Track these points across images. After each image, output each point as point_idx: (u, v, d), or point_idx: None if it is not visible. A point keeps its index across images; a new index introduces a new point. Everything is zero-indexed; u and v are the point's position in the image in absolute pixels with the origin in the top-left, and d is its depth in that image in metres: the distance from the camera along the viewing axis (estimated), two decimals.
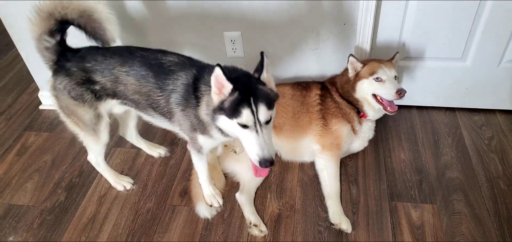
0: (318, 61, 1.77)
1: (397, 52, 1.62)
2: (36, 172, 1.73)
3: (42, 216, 1.54)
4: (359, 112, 1.61)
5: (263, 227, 1.40)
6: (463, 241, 1.33)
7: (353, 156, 1.67)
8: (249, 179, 1.53)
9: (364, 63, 1.57)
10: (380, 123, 1.77)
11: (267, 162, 1.04)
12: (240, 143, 1.11)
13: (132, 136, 1.69)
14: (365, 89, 1.54)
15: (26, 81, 2.32)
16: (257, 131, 1.04)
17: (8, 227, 1.51)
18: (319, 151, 1.54)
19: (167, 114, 1.24)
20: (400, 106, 1.88)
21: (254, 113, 1.03)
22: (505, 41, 1.60)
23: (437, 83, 1.79)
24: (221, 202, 1.50)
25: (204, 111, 1.15)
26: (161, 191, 1.59)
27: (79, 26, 1.27)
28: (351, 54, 1.57)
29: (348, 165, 1.64)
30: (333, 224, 1.40)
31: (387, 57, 1.63)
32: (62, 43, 1.28)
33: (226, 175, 1.61)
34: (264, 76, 1.10)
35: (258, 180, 1.54)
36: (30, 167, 1.76)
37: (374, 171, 1.60)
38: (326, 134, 1.55)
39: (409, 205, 1.46)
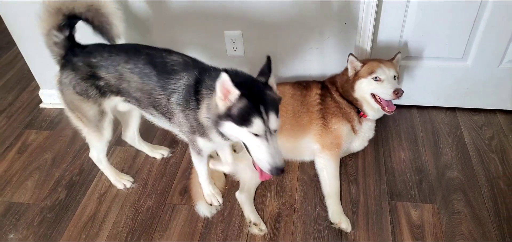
0: (318, 60, 1.77)
1: (399, 52, 1.61)
2: (36, 170, 1.74)
3: (43, 214, 1.54)
4: (359, 112, 1.61)
5: (263, 226, 1.40)
6: (463, 241, 1.33)
7: (353, 156, 1.67)
8: (249, 178, 1.53)
9: (364, 62, 1.57)
10: (380, 122, 1.77)
11: (278, 170, 1.03)
12: (240, 145, 1.11)
13: (134, 139, 1.69)
14: (363, 89, 1.54)
15: (27, 80, 2.32)
16: (267, 139, 1.03)
17: (8, 224, 1.51)
18: (319, 150, 1.54)
19: (167, 114, 1.24)
20: (400, 106, 1.89)
21: (265, 122, 1.02)
22: (506, 41, 1.60)
23: (438, 83, 1.78)
24: (221, 201, 1.50)
25: (204, 114, 1.14)
26: (161, 190, 1.59)
27: (86, 20, 1.28)
28: (350, 53, 1.57)
29: (348, 164, 1.64)
30: (332, 223, 1.40)
31: (387, 56, 1.63)
32: (70, 38, 1.29)
33: (226, 174, 1.62)
34: (271, 80, 1.09)
35: (258, 179, 1.54)
36: (30, 165, 1.77)
37: (374, 170, 1.60)
38: (326, 134, 1.55)
39: (409, 204, 1.46)
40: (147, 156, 1.75)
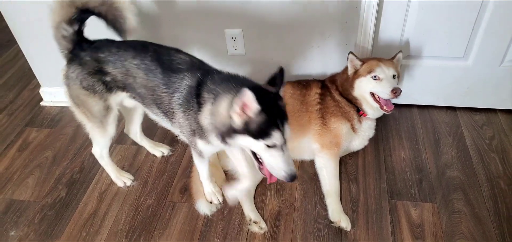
0: (319, 59, 1.77)
1: (400, 51, 1.61)
2: (37, 168, 1.74)
3: (43, 211, 1.55)
4: (359, 111, 1.61)
5: (263, 224, 1.41)
6: (463, 240, 1.33)
7: (353, 155, 1.67)
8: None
9: (364, 61, 1.57)
10: (381, 121, 1.77)
11: (293, 177, 1.07)
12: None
13: (136, 134, 1.69)
14: (363, 87, 1.54)
15: (28, 78, 2.33)
16: (282, 149, 1.05)
17: (9, 222, 1.52)
18: (319, 150, 1.54)
19: (169, 114, 1.24)
20: (401, 105, 1.89)
21: (282, 134, 1.03)
22: (507, 40, 1.60)
23: (438, 82, 1.78)
24: (221, 199, 1.50)
25: (206, 119, 1.13)
26: (162, 188, 1.60)
27: (99, 14, 1.29)
28: (350, 52, 1.57)
29: (348, 163, 1.64)
30: (332, 222, 1.40)
31: (388, 55, 1.63)
32: (79, 33, 1.29)
33: (226, 172, 1.62)
34: (281, 91, 1.09)
35: (258, 178, 1.54)
36: (31, 162, 1.77)
37: (374, 169, 1.60)
38: (325, 133, 1.55)
39: (409, 203, 1.46)
40: (147, 154, 1.76)
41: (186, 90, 1.16)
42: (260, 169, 1.15)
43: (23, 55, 1.99)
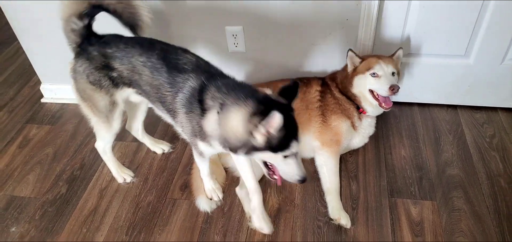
0: (319, 56, 1.77)
1: (400, 48, 1.61)
2: (37, 164, 1.75)
3: (44, 207, 1.55)
4: (359, 108, 1.61)
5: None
6: (462, 238, 1.33)
7: (353, 152, 1.67)
8: None
9: (363, 58, 1.57)
10: (381, 119, 1.77)
11: (305, 179, 1.12)
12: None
13: (138, 131, 1.70)
14: (361, 84, 1.54)
15: (28, 75, 2.33)
16: (296, 156, 1.09)
17: (10, 218, 1.52)
18: (319, 147, 1.54)
19: (172, 113, 1.24)
20: (401, 103, 1.88)
21: (298, 143, 1.06)
22: (508, 39, 1.59)
23: (439, 80, 1.78)
24: (221, 196, 1.51)
25: (211, 126, 1.11)
26: (162, 185, 1.60)
27: (115, 12, 1.29)
28: (350, 49, 1.57)
29: (348, 161, 1.64)
30: (332, 219, 1.40)
31: (389, 53, 1.62)
32: (88, 27, 1.30)
33: (226, 170, 1.62)
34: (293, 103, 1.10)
35: (259, 175, 1.54)
36: (32, 159, 1.78)
37: (374, 167, 1.60)
38: (326, 130, 1.55)
39: (409, 201, 1.46)
40: (148, 151, 1.76)
41: (190, 91, 1.15)
42: (269, 175, 1.18)
43: (24, 52, 1.99)
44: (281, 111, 0.98)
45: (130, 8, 1.29)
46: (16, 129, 1.96)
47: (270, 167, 1.17)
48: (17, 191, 1.63)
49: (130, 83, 1.30)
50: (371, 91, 1.54)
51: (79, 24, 1.27)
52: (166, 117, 1.32)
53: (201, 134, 1.16)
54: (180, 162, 1.69)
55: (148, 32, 1.77)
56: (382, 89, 1.48)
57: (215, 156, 1.61)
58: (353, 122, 1.60)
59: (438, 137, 1.72)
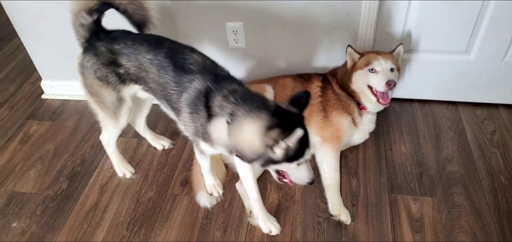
0: (320, 52, 1.76)
1: (401, 43, 1.60)
2: (38, 160, 1.75)
3: (45, 203, 1.56)
4: (360, 105, 1.61)
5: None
6: (462, 234, 1.33)
7: (353, 148, 1.67)
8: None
9: (363, 54, 1.56)
10: (382, 115, 1.77)
11: (314, 181, 1.17)
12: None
13: (140, 126, 1.70)
14: (360, 80, 1.54)
15: (29, 71, 2.33)
16: (306, 161, 1.11)
17: (11, 213, 1.53)
18: (319, 143, 1.54)
19: (176, 111, 1.23)
20: (402, 100, 1.88)
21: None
22: (510, 34, 1.58)
23: (440, 77, 1.77)
24: (221, 192, 1.51)
25: (218, 134, 1.10)
26: (162, 181, 1.60)
27: (125, 11, 1.29)
28: (349, 45, 1.56)
29: (348, 157, 1.64)
30: (332, 215, 1.40)
31: (390, 49, 1.62)
32: (97, 22, 1.30)
33: (226, 166, 1.62)
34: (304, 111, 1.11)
35: (259, 171, 1.55)
36: (32, 155, 1.78)
37: (374, 163, 1.60)
38: (326, 126, 1.55)
39: (409, 197, 1.46)
40: (148, 147, 1.76)
41: (195, 93, 1.14)
42: (279, 179, 1.20)
43: (24, 48, 1.99)
44: (294, 121, 1.01)
45: (141, 10, 1.29)
46: (17, 125, 1.97)
47: (280, 172, 1.20)
48: (18, 187, 1.63)
49: (137, 80, 1.29)
50: (370, 88, 1.54)
51: (88, 19, 1.27)
52: (171, 114, 1.32)
53: (204, 136, 1.16)
54: (180, 158, 1.69)
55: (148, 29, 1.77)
56: (379, 84, 1.48)
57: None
58: (354, 118, 1.60)
59: (438, 133, 1.72)
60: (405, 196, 1.47)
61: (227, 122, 1.06)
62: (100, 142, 1.59)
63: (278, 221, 1.41)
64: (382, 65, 1.51)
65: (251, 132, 1.02)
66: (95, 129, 1.89)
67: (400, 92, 1.86)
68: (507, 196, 1.44)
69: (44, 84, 2.13)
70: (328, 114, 1.57)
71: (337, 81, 1.65)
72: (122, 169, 1.62)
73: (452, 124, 1.76)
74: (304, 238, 1.36)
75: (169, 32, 1.73)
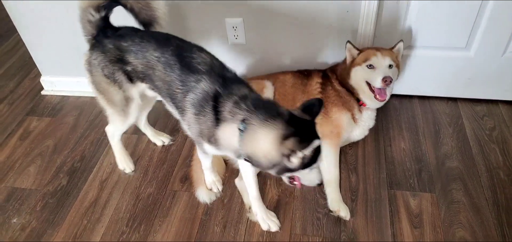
0: (320, 48, 1.76)
1: (401, 40, 1.60)
2: (38, 156, 1.75)
3: (45, 199, 1.56)
4: (359, 101, 1.61)
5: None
6: (461, 230, 1.34)
7: (353, 145, 1.67)
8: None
9: (362, 50, 1.56)
10: (381, 111, 1.77)
11: (322, 181, 1.17)
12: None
13: (141, 121, 1.70)
14: (358, 76, 1.54)
15: (28, 67, 2.33)
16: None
17: (11, 209, 1.53)
18: None
19: (180, 111, 1.22)
20: (401, 96, 1.88)
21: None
22: (510, 30, 1.58)
23: (440, 73, 1.77)
24: (221, 188, 1.51)
25: (228, 140, 1.09)
26: (162, 177, 1.61)
27: (132, 9, 1.29)
28: (348, 41, 1.56)
29: (348, 153, 1.64)
30: (331, 211, 1.41)
31: (389, 45, 1.62)
32: (105, 19, 1.29)
33: (226, 162, 1.62)
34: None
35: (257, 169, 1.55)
36: (32, 151, 1.78)
37: (374, 159, 1.60)
38: (326, 122, 1.55)
39: (408, 193, 1.46)
40: (148, 143, 1.76)
41: (201, 94, 1.11)
42: (290, 182, 1.22)
43: (23, 44, 1.99)
44: (308, 129, 1.02)
45: (148, 9, 1.29)
46: (17, 121, 1.97)
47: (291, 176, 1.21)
48: (18, 183, 1.64)
49: (144, 78, 1.28)
50: (368, 84, 1.54)
51: (95, 16, 1.26)
52: (175, 113, 1.31)
53: (211, 139, 1.14)
54: (180, 154, 1.70)
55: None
56: (376, 80, 1.49)
57: None
58: (354, 114, 1.60)
59: (438, 129, 1.72)
60: (404, 192, 1.47)
61: (239, 129, 1.04)
62: (99, 138, 1.59)
63: (278, 217, 1.41)
64: (380, 61, 1.51)
65: (267, 142, 1.01)
66: (95, 125, 1.89)
67: (399, 88, 1.86)
68: (506, 192, 1.44)
69: (43, 80, 2.13)
70: (327, 110, 1.57)
71: (336, 78, 1.65)
72: (123, 163, 1.62)
73: (451, 120, 1.76)
74: (304, 234, 1.36)
75: (168, 28, 1.73)
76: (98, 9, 1.26)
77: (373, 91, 1.53)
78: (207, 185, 1.50)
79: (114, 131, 1.53)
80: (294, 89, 1.66)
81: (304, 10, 1.62)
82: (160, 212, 1.47)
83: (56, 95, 2.12)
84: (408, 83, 1.83)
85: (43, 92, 2.14)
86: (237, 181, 1.52)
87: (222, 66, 1.19)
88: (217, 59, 1.21)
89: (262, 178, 1.55)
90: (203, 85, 1.11)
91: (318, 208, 1.44)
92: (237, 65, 1.86)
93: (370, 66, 1.51)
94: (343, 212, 1.38)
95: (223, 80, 1.11)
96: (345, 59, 1.63)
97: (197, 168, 1.53)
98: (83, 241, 1.40)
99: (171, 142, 1.76)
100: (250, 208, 1.42)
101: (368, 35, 1.65)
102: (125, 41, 1.25)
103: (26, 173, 1.68)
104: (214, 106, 1.09)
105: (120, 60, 1.26)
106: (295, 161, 1.02)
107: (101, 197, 1.55)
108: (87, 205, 1.52)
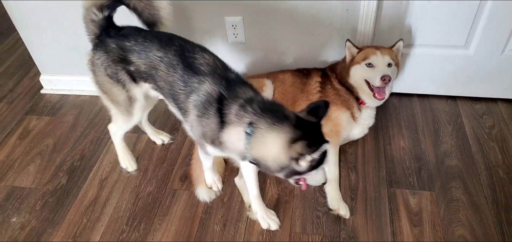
0: (319, 47, 1.76)
1: (401, 39, 1.60)
2: (38, 155, 1.75)
3: (44, 198, 1.56)
4: (358, 99, 1.61)
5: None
6: (460, 228, 1.34)
7: (352, 143, 1.67)
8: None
9: (361, 49, 1.56)
10: (381, 110, 1.77)
11: (326, 181, 1.22)
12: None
13: (142, 120, 1.70)
14: (357, 74, 1.54)
15: (28, 66, 2.32)
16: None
17: (11, 208, 1.53)
18: None
19: (183, 112, 1.21)
20: (401, 94, 1.88)
21: None
22: (509, 29, 1.58)
23: (439, 71, 1.78)
24: (221, 187, 1.51)
25: (234, 143, 1.08)
26: (162, 175, 1.61)
27: (135, 9, 1.29)
28: (348, 39, 1.56)
29: (347, 152, 1.64)
30: (331, 210, 1.41)
31: (389, 44, 1.62)
32: (108, 19, 1.29)
33: (226, 160, 1.62)
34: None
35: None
36: (32, 150, 1.78)
37: (373, 158, 1.60)
38: (326, 121, 1.54)
39: (408, 192, 1.46)
40: (148, 142, 1.76)
41: (205, 96, 1.10)
42: (296, 183, 1.19)
43: (23, 43, 1.99)
44: (315, 132, 1.03)
45: (151, 9, 1.28)
46: (16, 120, 1.96)
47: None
48: (17, 182, 1.64)
49: (147, 78, 1.27)
50: (367, 82, 1.54)
51: (99, 16, 1.26)
52: (178, 114, 1.31)
53: (214, 141, 1.13)
54: (179, 153, 1.70)
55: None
56: (375, 79, 1.49)
57: None
58: (353, 112, 1.60)
59: (437, 128, 1.72)
60: (403, 190, 1.47)
61: (246, 133, 1.03)
62: (99, 137, 1.59)
63: (278, 215, 1.42)
64: (379, 60, 1.51)
65: (276, 146, 1.01)
66: (95, 123, 1.89)
67: (399, 86, 1.86)
68: (505, 190, 1.44)
69: (43, 79, 2.12)
70: None
71: (336, 76, 1.65)
72: (126, 162, 1.62)
73: (451, 118, 1.76)
74: (303, 232, 1.37)
75: (167, 27, 1.72)
76: (101, 8, 1.26)
77: (372, 90, 1.54)
78: (207, 183, 1.50)
79: (117, 130, 1.53)
80: (293, 88, 1.66)
81: (303, 8, 1.62)
82: (160, 211, 1.47)
83: (56, 94, 2.11)
84: (408, 82, 1.83)
85: (42, 91, 2.14)
86: (236, 179, 1.52)
87: (225, 67, 1.18)
88: (220, 60, 1.20)
89: (262, 177, 1.55)
90: (206, 87, 1.10)
91: (317, 207, 1.44)
92: (237, 63, 1.86)
93: (370, 65, 1.51)
94: (343, 210, 1.39)
95: (226, 82, 1.09)
96: (344, 58, 1.63)
97: (197, 167, 1.53)
98: (83, 240, 1.41)
99: (171, 141, 1.76)
100: (250, 206, 1.42)
101: (368, 33, 1.65)
102: (128, 41, 1.24)
103: (25, 172, 1.68)
104: (219, 109, 1.08)
105: (123, 60, 1.26)
106: (303, 164, 1.02)
107: (101, 195, 1.55)
108: (86, 204, 1.52)
